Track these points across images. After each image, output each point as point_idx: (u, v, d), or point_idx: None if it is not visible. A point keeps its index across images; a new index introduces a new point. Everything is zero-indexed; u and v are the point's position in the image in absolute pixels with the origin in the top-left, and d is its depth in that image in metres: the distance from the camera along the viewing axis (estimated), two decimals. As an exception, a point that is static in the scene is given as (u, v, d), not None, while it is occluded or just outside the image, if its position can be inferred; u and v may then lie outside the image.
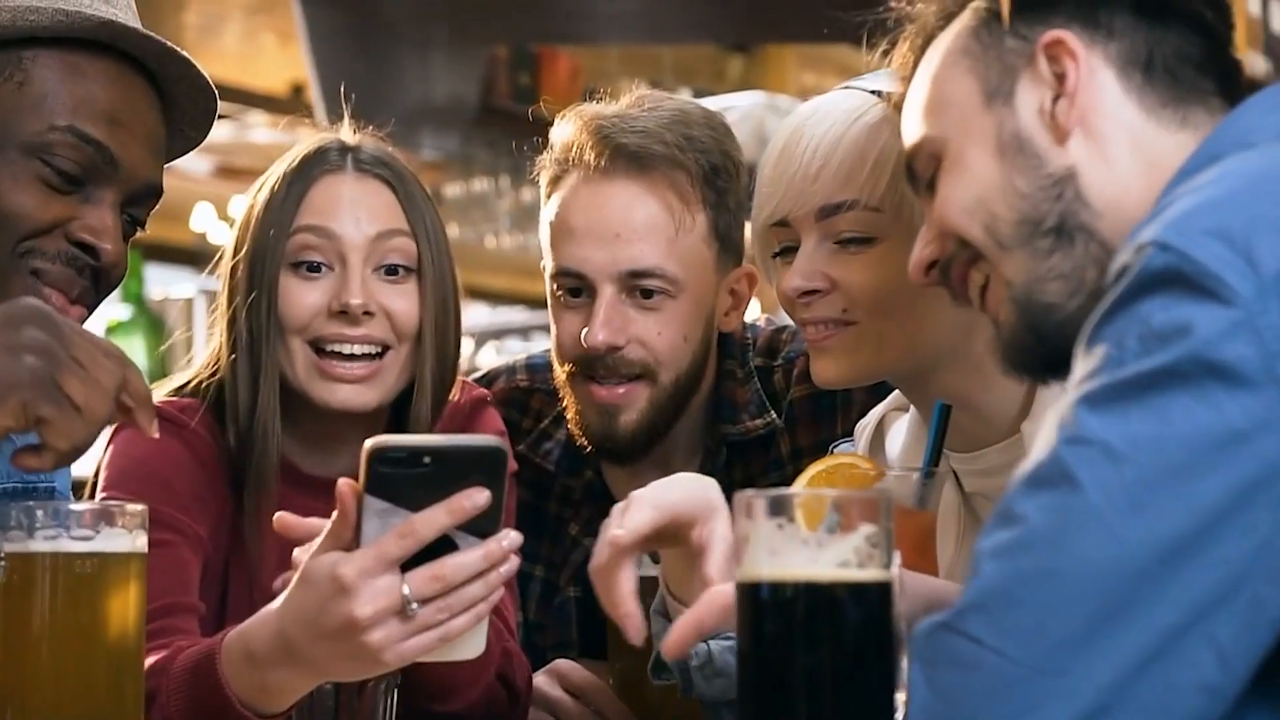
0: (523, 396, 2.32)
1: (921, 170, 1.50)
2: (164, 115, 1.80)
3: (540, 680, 2.02)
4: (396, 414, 2.03)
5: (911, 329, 1.74)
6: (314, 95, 5.05)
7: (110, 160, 1.70)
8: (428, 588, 1.38)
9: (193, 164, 7.11)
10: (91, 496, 1.92)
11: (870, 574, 1.23)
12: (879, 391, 1.95)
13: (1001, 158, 1.41)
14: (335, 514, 1.41)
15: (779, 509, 1.25)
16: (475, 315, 9.13)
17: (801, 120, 1.78)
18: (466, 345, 8.47)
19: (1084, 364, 1.21)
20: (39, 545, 1.34)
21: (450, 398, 2.08)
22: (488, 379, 2.36)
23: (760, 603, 1.24)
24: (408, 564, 1.39)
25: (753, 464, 2.21)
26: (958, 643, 1.18)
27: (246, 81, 7.43)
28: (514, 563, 1.41)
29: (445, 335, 2.02)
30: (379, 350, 1.98)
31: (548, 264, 2.17)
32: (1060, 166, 1.39)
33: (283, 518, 1.53)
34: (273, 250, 1.96)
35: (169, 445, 1.93)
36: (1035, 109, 1.40)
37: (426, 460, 1.38)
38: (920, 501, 1.59)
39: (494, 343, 6.20)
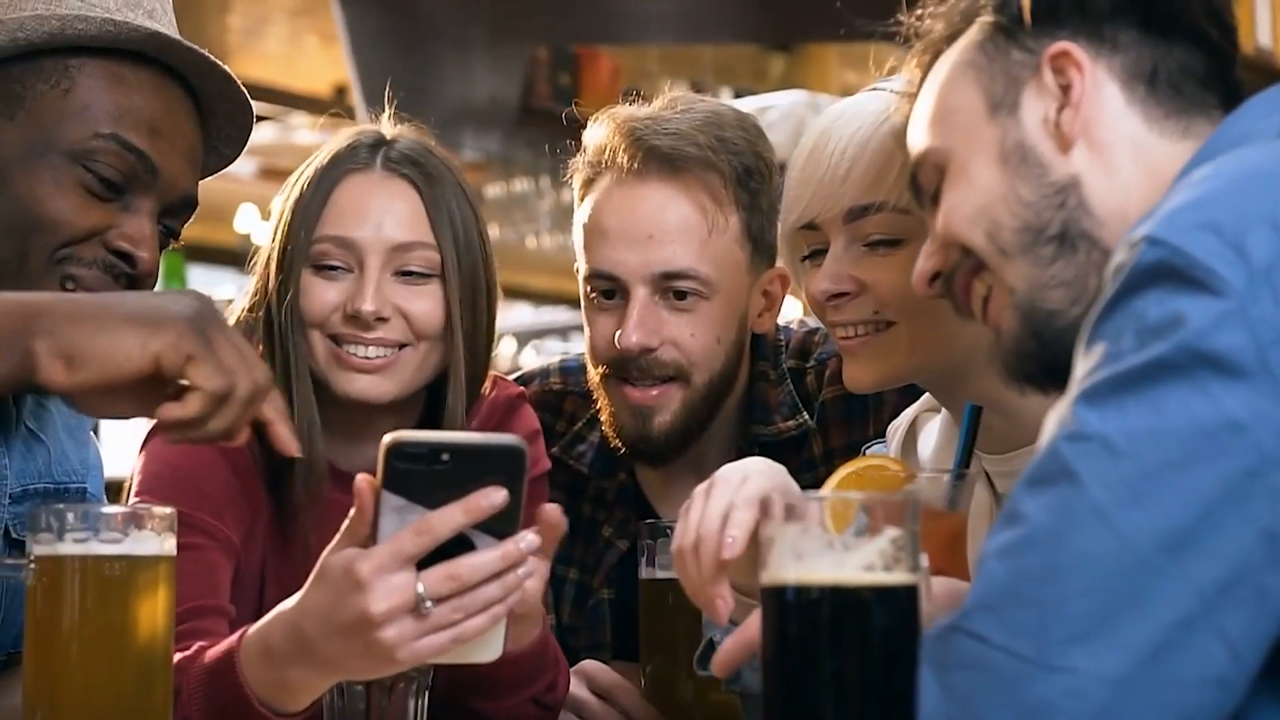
0: (556, 399, 2.33)
1: (926, 182, 1.51)
2: (201, 130, 1.81)
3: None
4: (429, 412, 2.04)
5: (943, 330, 1.73)
6: (355, 97, 5.06)
7: (151, 169, 1.72)
8: (442, 586, 1.37)
9: (236, 165, 7.14)
10: (125, 502, 1.93)
11: (897, 577, 1.23)
12: (911, 392, 1.94)
13: (1004, 167, 1.42)
14: (353, 509, 1.41)
15: (803, 512, 1.24)
16: (519, 315, 9.14)
17: (828, 122, 1.77)
18: (509, 345, 8.50)
19: (1083, 363, 1.22)
20: (68, 548, 1.34)
21: (485, 394, 2.09)
22: (522, 382, 2.36)
23: (785, 606, 1.24)
24: (426, 562, 1.38)
25: (785, 465, 2.19)
26: (967, 644, 1.18)
27: (289, 83, 7.46)
28: (532, 565, 1.41)
29: (476, 332, 2.02)
30: (397, 347, 1.98)
31: (581, 266, 2.17)
32: (1064, 175, 1.40)
33: None
34: (300, 250, 1.98)
35: (202, 449, 1.93)
36: (1040, 119, 1.42)
37: (445, 457, 1.37)
38: (951, 503, 1.58)
39: (535, 342, 6.21)
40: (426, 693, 1.74)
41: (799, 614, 1.23)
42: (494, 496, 1.37)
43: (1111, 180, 1.39)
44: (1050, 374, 1.41)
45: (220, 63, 1.78)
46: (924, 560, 1.31)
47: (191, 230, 1.87)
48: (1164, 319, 1.17)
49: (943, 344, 1.74)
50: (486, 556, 1.38)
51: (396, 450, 1.37)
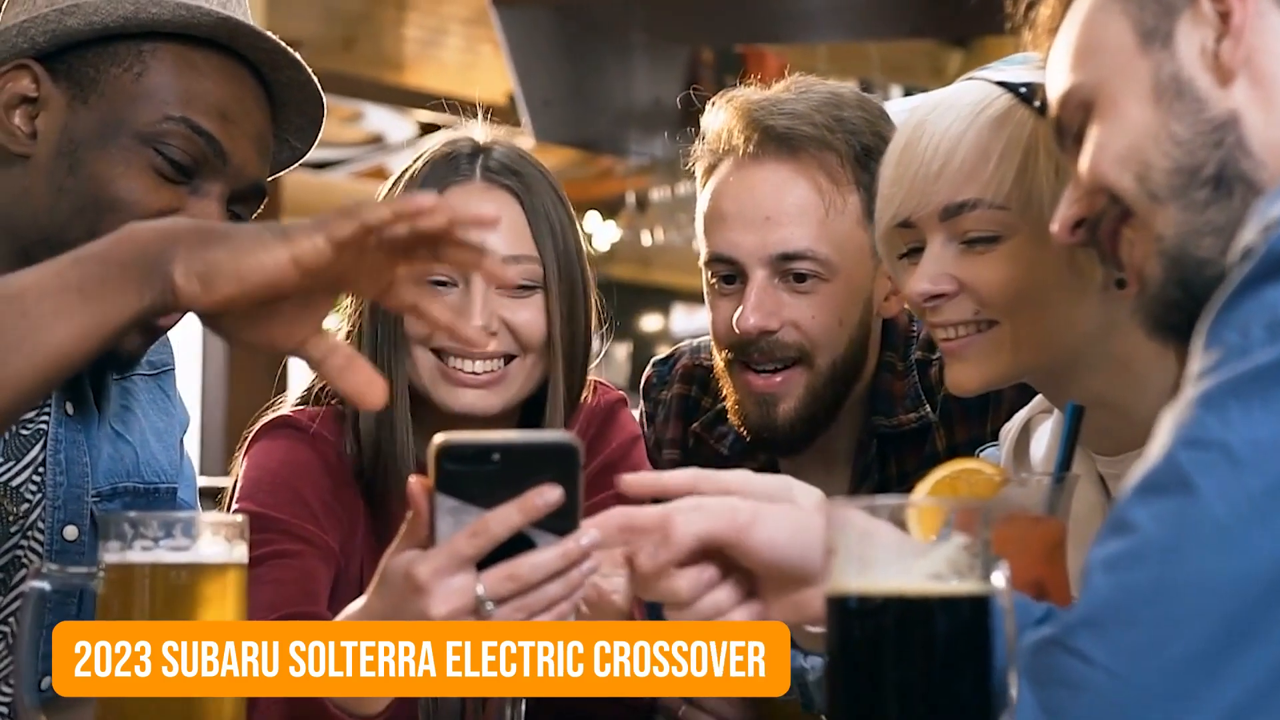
0: (704, 375, 2.31)
1: (1069, 120, 1.43)
2: (272, 120, 1.82)
3: None
4: (527, 418, 2.02)
5: (1048, 327, 1.66)
6: (517, 102, 5.07)
7: (220, 154, 1.73)
8: (502, 587, 1.34)
9: (413, 174, 7.27)
10: (228, 507, 1.95)
11: (963, 586, 1.17)
12: (1030, 389, 1.87)
13: (1158, 103, 1.33)
14: (410, 513, 1.39)
15: (867, 519, 1.19)
16: (702, 319, 9.12)
17: (923, 116, 1.71)
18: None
19: (1203, 357, 1.13)
20: (136, 556, 1.33)
21: (584, 401, 2.07)
22: (676, 354, 2.37)
23: (848, 616, 1.19)
24: (487, 563, 1.35)
25: (907, 458, 2.15)
26: (1067, 661, 1.12)
27: (465, 93, 7.53)
28: (595, 561, 1.36)
29: (574, 342, 2.01)
30: (504, 360, 1.97)
31: (702, 252, 2.15)
32: (1223, 110, 1.30)
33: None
34: None
35: (302, 455, 1.95)
36: (1197, 50, 1.32)
37: (495, 457, 1.34)
38: (1050, 508, 1.51)
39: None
40: (523, 701, 1.72)
41: (861, 624, 1.18)
42: (549, 494, 1.33)
43: (1273, 116, 1.29)
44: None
45: (291, 51, 1.78)
46: (1005, 567, 1.25)
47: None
48: None
49: (1048, 342, 1.67)
50: (546, 555, 1.34)
51: (446, 452, 1.34)
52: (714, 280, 2.15)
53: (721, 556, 1.33)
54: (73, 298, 1.38)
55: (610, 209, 9.44)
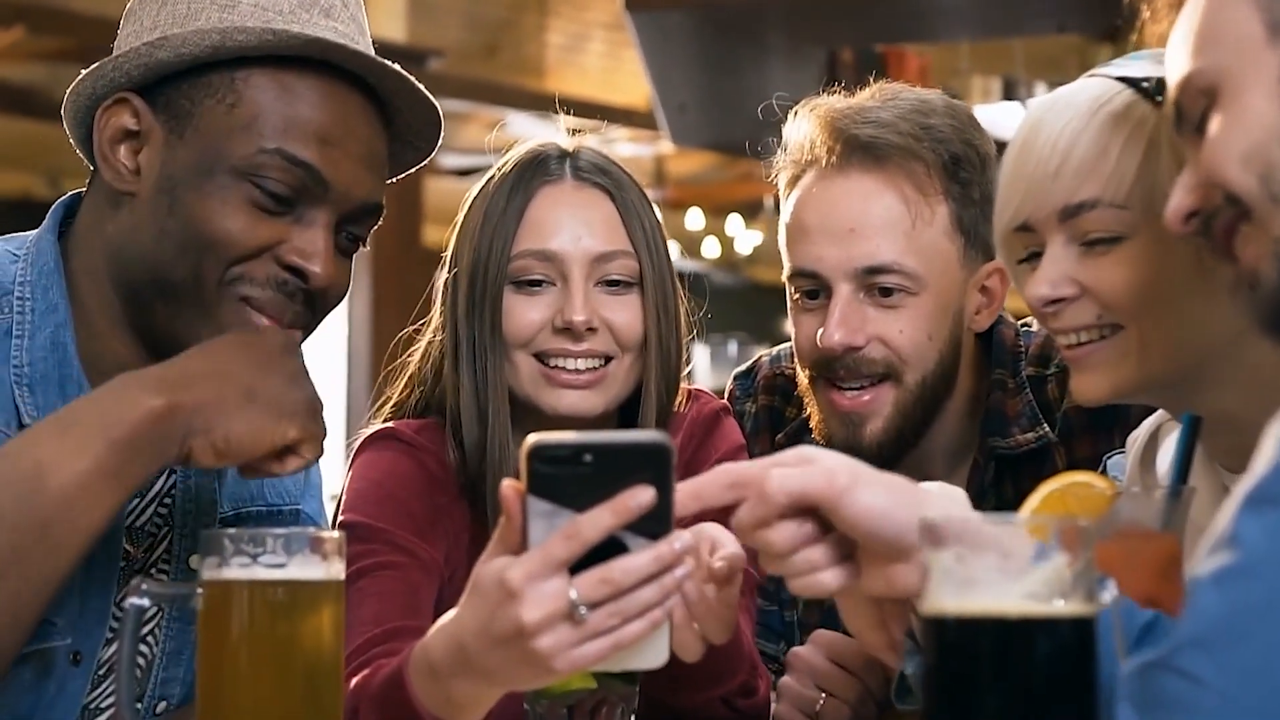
0: (786, 384, 2.27)
1: (1189, 106, 1.37)
2: (387, 128, 1.76)
3: (804, 651, 1.91)
4: (625, 424, 2.00)
5: (1176, 331, 1.60)
6: (653, 105, 5.07)
7: (320, 181, 1.67)
8: (596, 591, 1.30)
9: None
10: (334, 520, 1.95)
11: (1065, 607, 1.14)
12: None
13: None
14: (502, 517, 1.36)
15: (963, 537, 1.16)
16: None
17: (1040, 113, 1.66)
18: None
19: None
20: (233, 573, 1.34)
21: (684, 409, 2.05)
22: (755, 366, 2.32)
23: (946, 637, 1.16)
24: (579, 567, 1.32)
25: (1025, 479, 2.08)
26: (1174, 682, 1.07)
27: (608, 97, 7.58)
28: (689, 566, 1.33)
29: (668, 343, 1.99)
30: (603, 360, 1.96)
31: (785, 267, 2.11)
32: None
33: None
34: (495, 267, 1.96)
35: (406, 467, 1.95)
36: None
37: (587, 458, 1.31)
38: (1165, 523, 1.45)
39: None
40: (633, 716, 1.70)
41: (959, 646, 1.15)
42: (641, 496, 1.30)
43: None
44: None
45: (389, 63, 1.72)
46: (1111, 586, 1.21)
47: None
48: None
49: (1177, 347, 1.61)
50: (640, 559, 1.31)
51: (538, 453, 1.31)
52: (797, 295, 2.11)
53: (822, 517, 1.31)
54: (110, 483, 1.52)
55: (751, 212, 9.38)
